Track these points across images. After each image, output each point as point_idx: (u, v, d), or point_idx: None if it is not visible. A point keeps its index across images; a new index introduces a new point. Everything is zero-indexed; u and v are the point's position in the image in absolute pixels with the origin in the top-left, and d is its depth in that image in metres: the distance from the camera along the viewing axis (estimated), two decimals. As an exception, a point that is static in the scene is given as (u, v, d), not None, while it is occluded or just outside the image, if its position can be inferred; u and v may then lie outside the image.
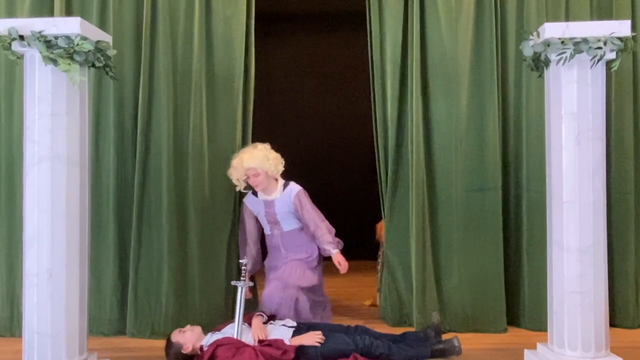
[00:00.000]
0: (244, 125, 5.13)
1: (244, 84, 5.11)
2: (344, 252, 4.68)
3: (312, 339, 4.07)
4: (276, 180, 4.72)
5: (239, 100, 5.08)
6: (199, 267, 5.01)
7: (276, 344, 4.01)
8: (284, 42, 7.97)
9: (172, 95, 4.98)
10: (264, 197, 4.72)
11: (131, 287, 4.91)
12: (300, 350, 4.02)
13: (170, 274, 4.91)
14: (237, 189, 4.76)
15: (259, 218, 4.81)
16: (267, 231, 4.82)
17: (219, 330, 4.32)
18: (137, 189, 4.91)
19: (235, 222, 5.02)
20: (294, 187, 4.71)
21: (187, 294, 4.98)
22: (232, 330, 4.21)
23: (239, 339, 4.13)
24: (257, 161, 4.55)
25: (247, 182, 4.68)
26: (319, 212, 4.70)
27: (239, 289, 4.30)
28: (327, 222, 4.70)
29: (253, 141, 4.93)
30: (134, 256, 4.91)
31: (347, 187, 7.95)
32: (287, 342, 4.05)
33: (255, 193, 4.77)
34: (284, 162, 4.69)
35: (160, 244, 4.92)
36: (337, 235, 4.71)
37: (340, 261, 4.61)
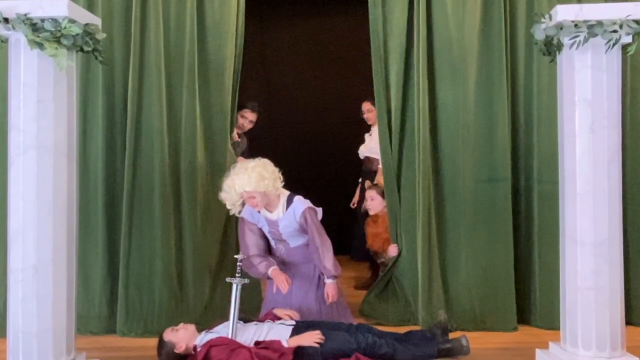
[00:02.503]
0: (232, 112, 5.14)
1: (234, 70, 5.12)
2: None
3: (311, 339, 4.06)
4: (277, 195, 4.52)
5: (232, 86, 5.10)
6: (193, 261, 5.01)
7: (272, 346, 4.00)
8: (280, 26, 7.94)
9: (163, 81, 4.97)
10: (266, 214, 4.57)
11: (121, 282, 4.90)
12: (299, 350, 4.01)
13: (163, 269, 4.92)
14: (232, 212, 4.60)
15: (263, 230, 4.69)
16: (272, 244, 4.76)
17: (213, 329, 4.33)
18: (128, 179, 4.90)
19: (232, 216, 4.94)
20: (299, 205, 4.52)
21: (180, 290, 4.99)
22: (227, 329, 4.20)
23: (233, 338, 4.13)
24: (253, 184, 4.32)
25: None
26: (323, 233, 4.53)
27: (234, 286, 4.29)
28: (328, 243, 4.52)
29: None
30: (124, 250, 4.90)
31: (343, 178, 7.95)
32: (284, 342, 4.04)
33: None
34: (282, 177, 4.49)
35: (152, 237, 4.92)
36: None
37: (329, 293, 4.53)
